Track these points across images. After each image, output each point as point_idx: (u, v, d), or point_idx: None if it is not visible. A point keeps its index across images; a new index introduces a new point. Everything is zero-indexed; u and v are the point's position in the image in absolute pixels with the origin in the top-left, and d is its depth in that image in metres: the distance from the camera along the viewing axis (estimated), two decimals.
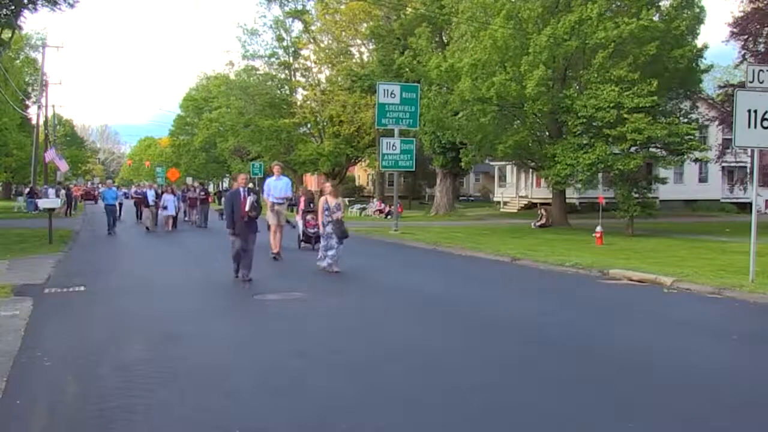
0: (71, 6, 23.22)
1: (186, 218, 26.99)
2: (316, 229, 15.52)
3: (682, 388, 5.17)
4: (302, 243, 16.18)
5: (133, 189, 40.90)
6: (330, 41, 43.40)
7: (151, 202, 23.17)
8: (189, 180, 59.83)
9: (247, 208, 10.31)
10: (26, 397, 4.86)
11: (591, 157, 21.41)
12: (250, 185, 17.34)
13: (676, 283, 10.45)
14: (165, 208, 22.99)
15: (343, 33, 41.32)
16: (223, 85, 53.88)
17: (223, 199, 25.57)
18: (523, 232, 23.23)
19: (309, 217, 16.09)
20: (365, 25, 38.95)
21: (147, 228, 22.63)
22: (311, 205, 16.71)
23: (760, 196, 31.26)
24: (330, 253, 11.76)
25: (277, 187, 14.31)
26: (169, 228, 22.79)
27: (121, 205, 24.79)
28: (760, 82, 10.38)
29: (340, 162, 43.88)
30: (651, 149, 22.75)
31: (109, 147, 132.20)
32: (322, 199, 12.24)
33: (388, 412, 4.64)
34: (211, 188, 60.29)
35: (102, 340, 6.70)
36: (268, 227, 14.10)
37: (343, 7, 39.80)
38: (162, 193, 24.98)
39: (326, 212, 11.90)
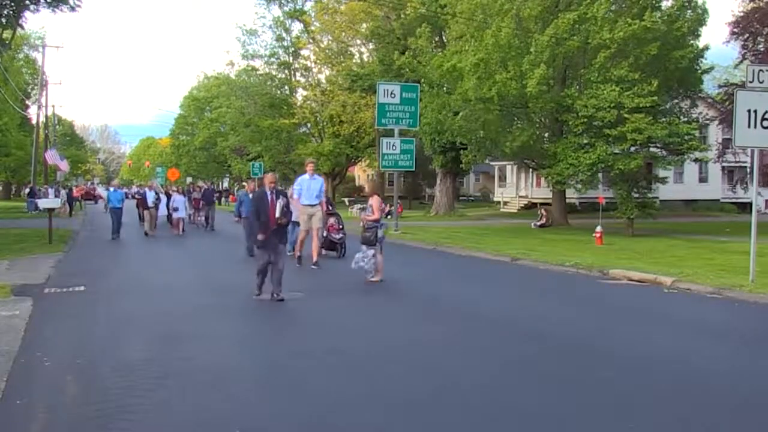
0: (72, 9, 23.18)
1: (190, 221, 25.63)
2: (341, 235, 14.38)
3: (682, 388, 5.17)
4: (323, 250, 14.27)
5: (134, 189, 40.39)
6: (330, 41, 43.42)
7: (150, 204, 21.35)
8: (188, 180, 59.78)
9: (277, 214, 8.79)
10: (26, 398, 4.86)
11: (592, 157, 21.42)
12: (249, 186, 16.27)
13: (676, 283, 10.45)
14: (176, 209, 21.40)
15: (343, 33, 41.33)
16: (223, 85, 53.97)
17: (224, 200, 25.19)
18: (523, 232, 23.22)
19: (332, 220, 14.49)
20: (365, 25, 38.94)
21: (146, 233, 20.89)
22: (331, 207, 15.37)
23: (761, 195, 31.28)
24: (358, 255, 10.69)
25: (311, 187, 12.76)
26: (179, 232, 21.08)
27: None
28: (760, 82, 10.38)
29: (340, 162, 43.91)
30: (651, 149, 22.76)
31: (109, 147, 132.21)
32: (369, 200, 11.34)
33: (388, 411, 4.64)
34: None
35: (102, 340, 6.70)
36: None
37: (342, 7, 39.80)
38: (170, 194, 23.54)
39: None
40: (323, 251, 14.06)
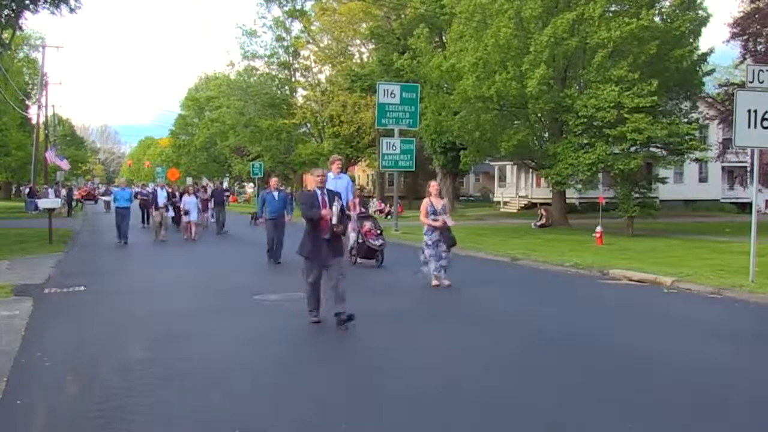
0: (72, 11, 23.14)
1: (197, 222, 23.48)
2: (381, 241, 12.84)
3: (682, 388, 5.17)
4: (358, 258, 12.93)
5: (135, 189, 39.67)
6: (329, 41, 43.45)
7: (161, 204, 19.69)
8: (188, 180, 59.67)
9: (333, 220, 7.15)
10: (26, 398, 4.86)
11: (591, 157, 21.42)
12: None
13: (676, 283, 10.45)
14: (187, 212, 19.67)
15: (343, 33, 41.34)
16: (223, 84, 54.00)
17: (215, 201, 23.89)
18: (523, 232, 23.22)
19: (368, 224, 12.87)
20: (364, 25, 38.96)
21: (162, 240, 19.10)
22: (364, 209, 13.78)
23: (762, 193, 31.25)
24: (442, 263, 10.21)
25: (337, 187, 11.56)
26: (191, 236, 19.43)
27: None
28: (760, 82, 10.38)
29: None
30: (651, 149, 22.75)
31: (109, 147, 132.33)
32: (426, 201, 10.46)
33: (388, 412, 4.64)
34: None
35: (102, 340, 6.71)
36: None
37: (341, 7, 39.81)
38: (181, 194, 22.03)
39: (431, 216, 10.25)
40: (358, 259, 12.89)
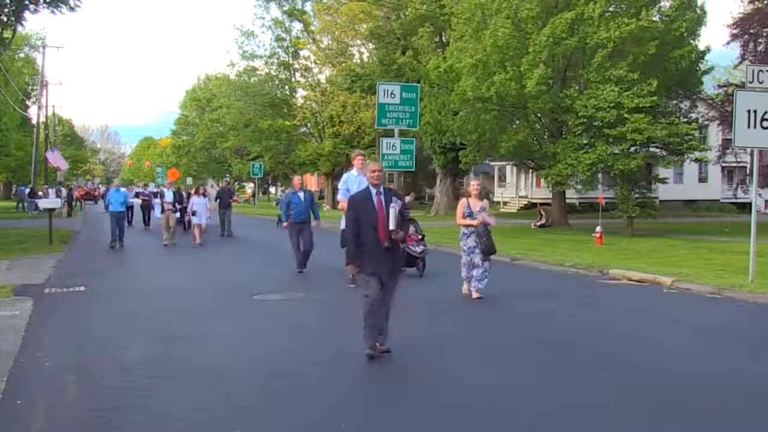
0: (72, 9, 23.12)
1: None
2: (423, 248, 11.50)
3: (682, 388, 5.18)
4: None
5: (137, 189, 39.28)
6: (330, 41, 43.47)
7: (168, 205, 18.47)
8: (188, 180, 59.65)
9: (391, 226, 5.96)
10: (26, 397, 4.87)
11: (591, 157, 21.42)
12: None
13: (675, 283, 10.46)
14: (194, 213, 18.37)
15: (343, 33, 41.37)
16: (223, 85, 54.03)
17: (219, 201, 23.09)
18: (523, 232, 23.22)
19: (410, 229, 11.10)
20: (365, 25, 38.98)
21: (166, 244, 17.70)
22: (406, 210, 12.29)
23: (761, 196, 31.25)
24: (475, 272, 9.11)
25: (361, 185, 10.42)
26: (199, 240, 17.81)
27: (130, 208, 18.92)
28: (760, 82, 10.39)
29: (339, 162, 43.94)
30: (651, 149, 22.77)
31: (109, 147, 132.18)
32: (463, 201, 9.46)
33: (387, 411, 4.64)
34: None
35: (102, 340, 6.71)
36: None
37: (342, 7, 39.81)
38: (188, 195, 20.93)
39: (469, 219, 9.27)
40: None
